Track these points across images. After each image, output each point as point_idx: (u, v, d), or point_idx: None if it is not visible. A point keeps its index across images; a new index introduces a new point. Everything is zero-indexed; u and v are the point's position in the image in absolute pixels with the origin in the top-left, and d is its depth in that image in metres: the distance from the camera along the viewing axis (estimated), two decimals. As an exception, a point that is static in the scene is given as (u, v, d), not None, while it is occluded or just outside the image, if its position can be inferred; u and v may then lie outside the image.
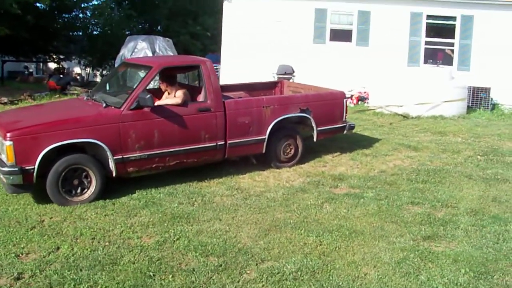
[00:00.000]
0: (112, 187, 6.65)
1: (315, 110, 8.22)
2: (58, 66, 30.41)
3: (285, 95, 9.44)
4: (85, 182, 6.38)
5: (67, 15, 27.79)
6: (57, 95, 16.53)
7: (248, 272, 4.61)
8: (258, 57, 16.33)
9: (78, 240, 5.21)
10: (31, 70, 35.69)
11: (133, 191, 6.65)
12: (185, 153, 7.05)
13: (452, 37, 15.77)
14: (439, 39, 16.12)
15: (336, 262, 4.81)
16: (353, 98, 15.42)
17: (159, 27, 33.92)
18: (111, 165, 6.49)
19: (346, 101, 8.82)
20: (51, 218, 5.82)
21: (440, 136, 10.76)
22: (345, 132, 8.82)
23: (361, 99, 15.45)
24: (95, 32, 30.72)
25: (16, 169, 5.92)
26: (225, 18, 17.11)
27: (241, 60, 16.58)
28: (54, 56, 30.23)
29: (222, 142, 7.35)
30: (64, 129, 6.25)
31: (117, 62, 18.69)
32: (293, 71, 14.14)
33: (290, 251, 5.02)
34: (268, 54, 16.15)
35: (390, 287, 4.36)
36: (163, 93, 7.58)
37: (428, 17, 15.82)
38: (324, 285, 4.37)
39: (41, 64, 36.30)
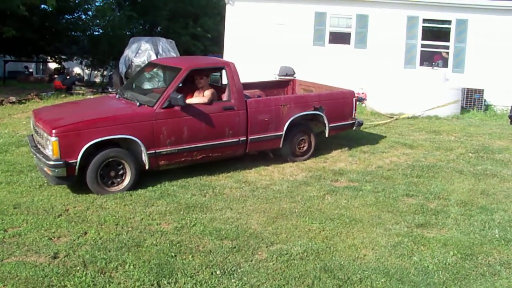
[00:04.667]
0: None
1: (327, 108, 8.77)
2: (58, 66, 30.77)
3: (301, 94, 9.91)
4: (121, 174, 6.90)
5: (69, 16, 28.14)
6: (63, 95, 16.87)
7: (259, 253, 5.12)
8: (260, 59, 16.66)
9: (103, 226, 5.69)
10: (31, 70, 36.00)
11: (147, 184, 7.11)
12: (211, 148, 7.60)
13: (447, 40, 16.22)
14: (435, 42, 16.64)
15: (338, 245, 5.33)
16: (351, 98, 15.80)
17: (159, 28, 34.25)
18: (145, 158, 7.02)
19: (355, 99, 9.31)
20: (74, 207, 6.29)
21: (434, 135, 11.21)
22: (354, 128, 9.41)
23: (359, 100, 15.87)
24: (96, 33, 31.05)
25: (61, 162, 6.41)
26: (228, 20, 17.46)
27: (244, 61, 16.74)
28: (56, 56, 30.60)
29: (244, 138, 7.90)
30: (104, 126, 6.75)
31: (121, 63, 18.91)
32: (294, 72, 14.40)
33: (296, 236, 5.53)
34: (269, 56, 16.49)
35: (387, 266, 4.87)
36: (192, 91, 8.05)
37: (424, 20, 16.28)
38: (327, 264, 4.87)
39: (41, 64, 36.62)
